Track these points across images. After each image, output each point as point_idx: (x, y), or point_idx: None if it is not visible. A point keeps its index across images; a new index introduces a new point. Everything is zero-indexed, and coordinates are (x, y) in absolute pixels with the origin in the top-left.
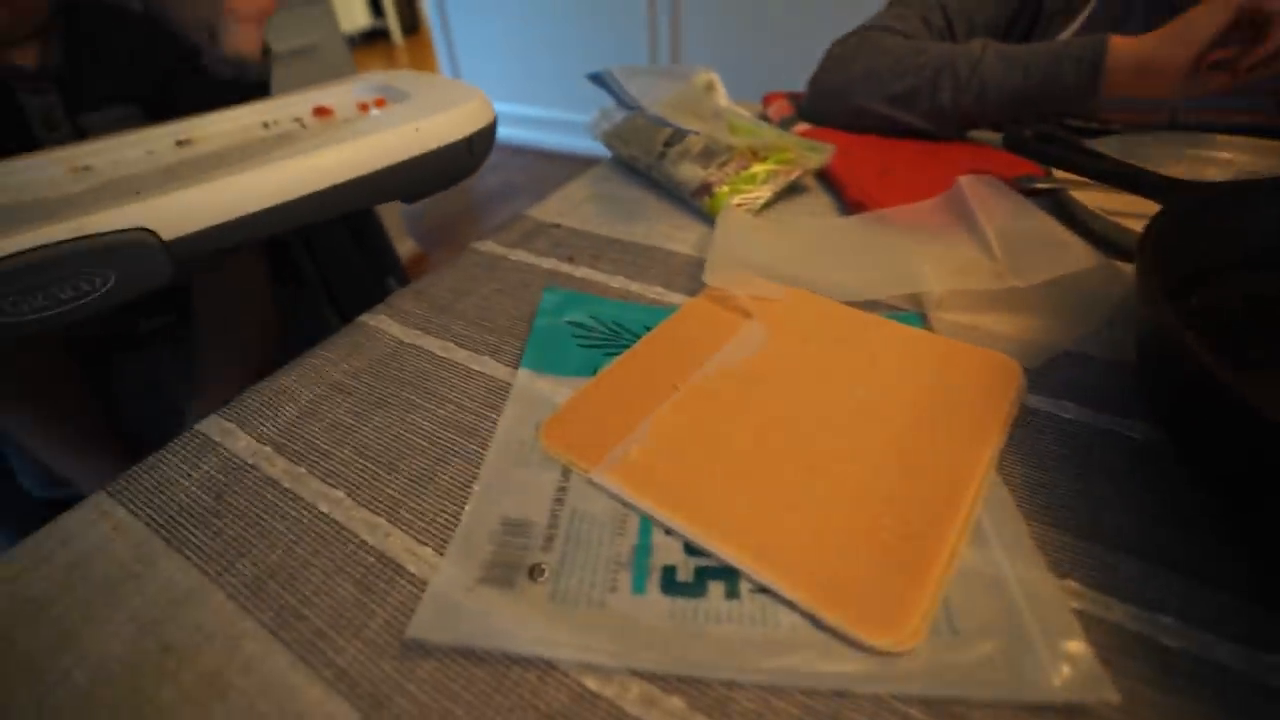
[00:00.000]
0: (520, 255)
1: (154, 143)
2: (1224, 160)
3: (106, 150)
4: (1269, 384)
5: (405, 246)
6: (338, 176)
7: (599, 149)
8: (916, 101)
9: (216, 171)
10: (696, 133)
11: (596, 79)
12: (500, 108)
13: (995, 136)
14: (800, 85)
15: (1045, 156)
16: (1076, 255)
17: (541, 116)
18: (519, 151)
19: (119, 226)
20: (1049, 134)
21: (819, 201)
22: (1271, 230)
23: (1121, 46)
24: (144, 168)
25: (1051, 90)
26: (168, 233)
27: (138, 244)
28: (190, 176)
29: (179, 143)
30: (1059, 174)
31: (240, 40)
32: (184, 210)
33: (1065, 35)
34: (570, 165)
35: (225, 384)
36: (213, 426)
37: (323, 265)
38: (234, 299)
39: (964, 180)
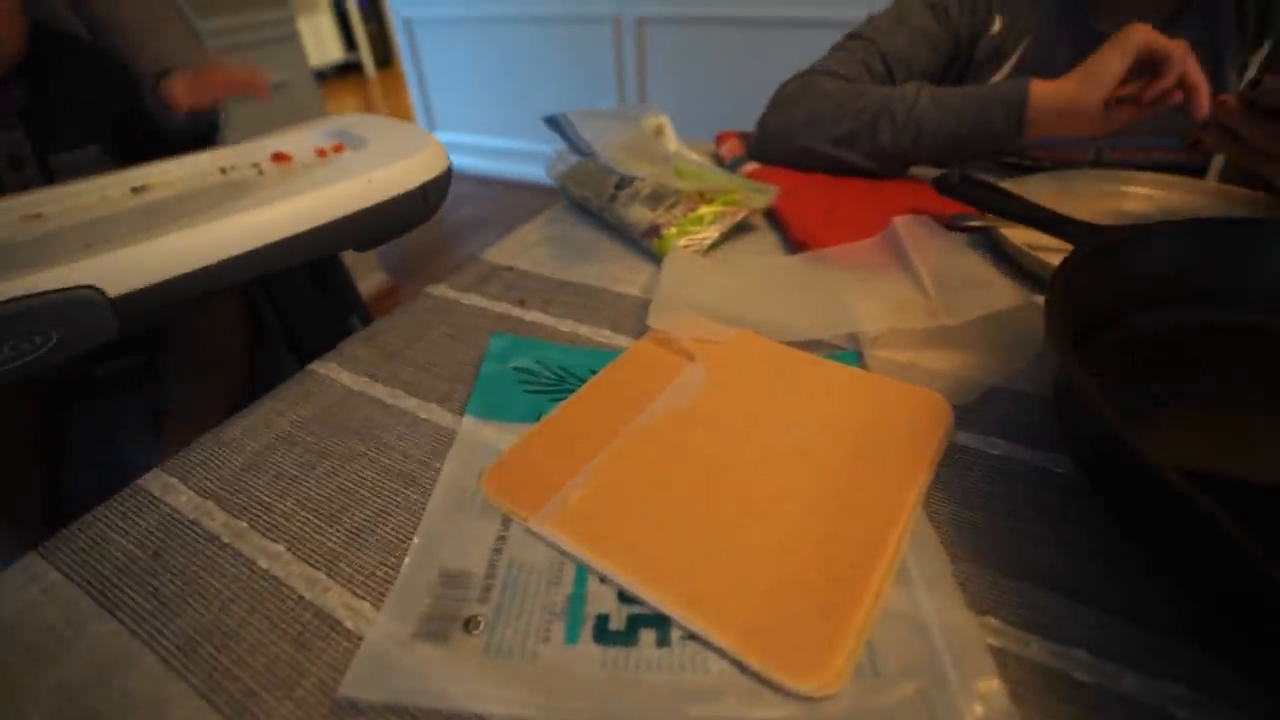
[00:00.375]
0: (473, 299)
1: (109, 189)
2: (1143, 195)
3: (60, 198)
4: (1172, 420)
5: (376, 279)
6: (289, 229)
7: None
8: (858, 142)
9: (165, 226)
10: (642, 178)
11: (552, 123)
12: (470, 140)
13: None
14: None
15: (970, 199)
16: (1004, 293)
17: (511, 148)
18: (488, 182)
19: (64, 284)
20: (973, 178)
21: (766, 240)
22: (1175, 271)
23: (1041, 90)
24: (97, 215)
25: (981, 132)
26: (114, 289)
27: (82, 302)
28: (140, 229)
29: (134, 189)
30: None
31: (182, 101)
32: (131, 266)
33: (995, 80)
34: (540, 195)
35: (192, 428)
36: (154, 481)
37: (282, 308)
38: (205, 344)
39: (898, 220)
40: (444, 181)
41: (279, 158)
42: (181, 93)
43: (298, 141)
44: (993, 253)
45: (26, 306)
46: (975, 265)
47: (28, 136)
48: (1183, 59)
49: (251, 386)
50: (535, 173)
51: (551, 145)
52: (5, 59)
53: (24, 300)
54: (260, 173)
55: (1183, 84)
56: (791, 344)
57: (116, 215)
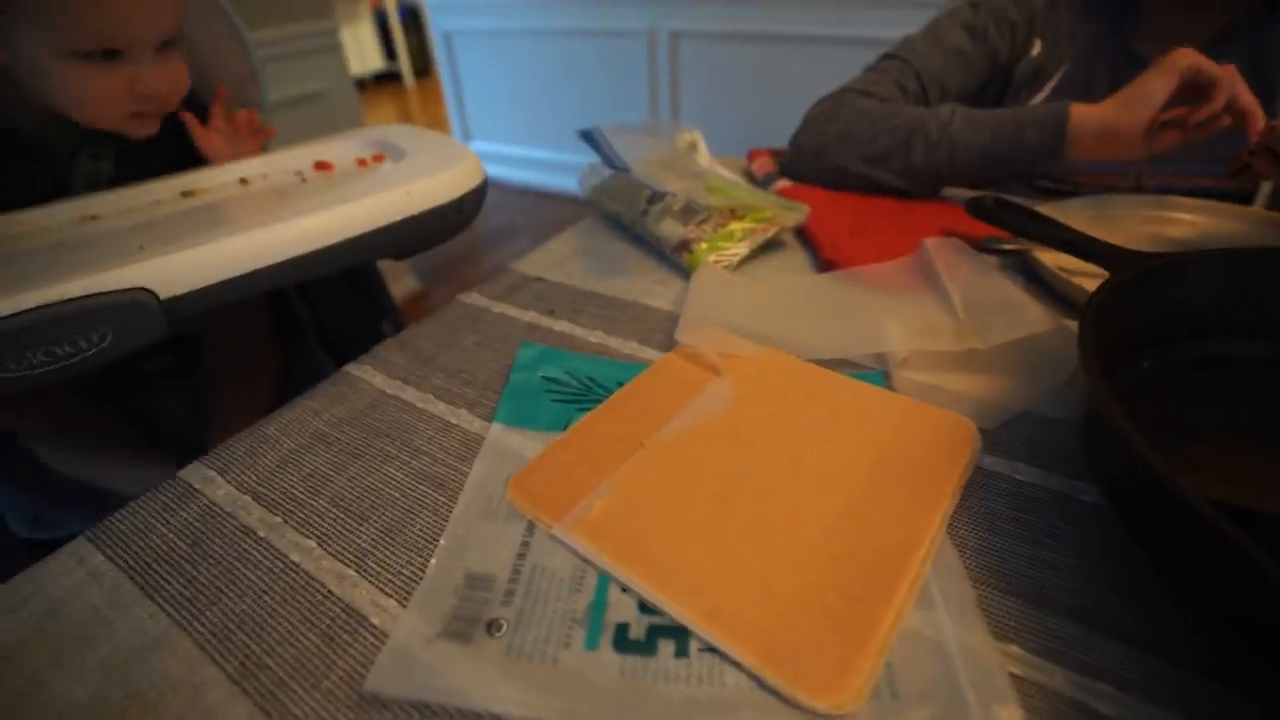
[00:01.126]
0: (503, 308)
1: (160, 193)
2: (1186, 221)
3: (116, 200)
4: (1210, 452)
5: (407, 284)
6: (330, 238)
7: None
8: (890, 161)
9: (213, 231)
10: (674, 193)
11: (587, 136)
12: (504, 150)
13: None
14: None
15: (1003, 222)
16: (1035, 317)
17: (545, 159)
18: (521, 192)
19: (119, 286)
20: (1007, 201)
21: (796, 258)
22: (1213, 299)
23: (1083, 113)
24: (149, 217)
25: (1017, 153)
26: (165, 291)
27: (135, 303)
28: (190, 234)
29: (184, 194)
30: None
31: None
32: (181, 270)
33: (1033, 103)
34: (571, 206)
35: (228, 423)
36: (194, 474)
37: (318, 311)
38: (243, 344)
39: (929, 242)
40: (479, 194)
41: (321, 166)
42: (219, 150)
43: (339, 151)
44: (1025, 277)
45: (86, 306)
46: (1006, 288)
47: (114, 167)
48: (1231, 83)
49: (286, 384)
50: (567, 183)
51: (584, 157)
52: (170, 110)
53: (82, 300)
54: (303, 180)
55: (1232, 108)
56: (818, 362)
57: (168, 218)
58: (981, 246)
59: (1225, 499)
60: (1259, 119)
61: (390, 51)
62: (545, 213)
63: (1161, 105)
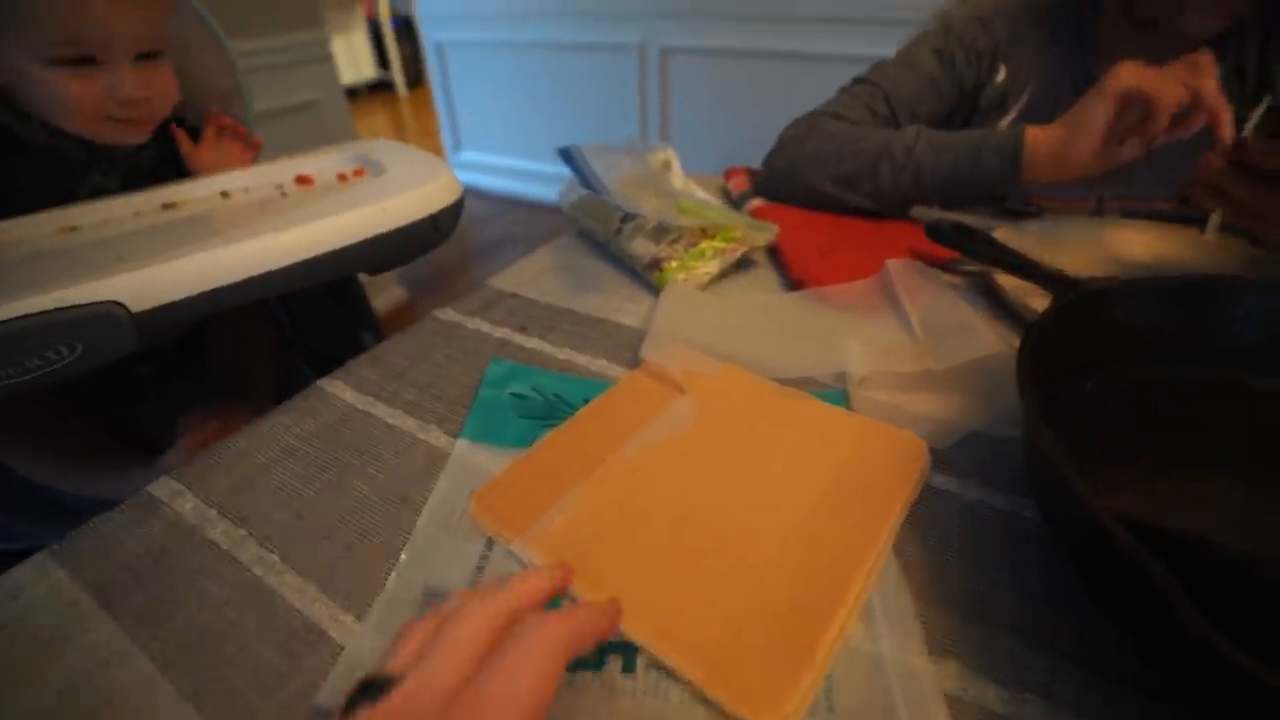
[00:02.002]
0: (477, 324)
1: (141, 204)
2: (1141, 242)
3: (96, 211)
4: (1141, 469)
5: (393, 294)
6: (304, 253)
7: None
8: (859, 184)
9: (188, 245)
10: (646, 213)
11: (565, 155)
12: (495, 160)
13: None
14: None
15: (958, 245)
16: (990, 340)
17: (535, 170)
18: (512, 203)
19: (90, 299)
20: (962, 225)
21: (766, 277)
22: (1154, 324)
23: (1036, 137)
24: (128, 229)
25: (977, 176)
26: (137, 305)
27: (106, 317)
28: (166, 247)
29: (164, 205)
30: None
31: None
32: (154, 284)
33: (999, 126)
34: (560, 218)
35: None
36: (163, 488)
37: (297, 320)
38: (246, 354)
39: (891, 264)
40: (455, 211)
41: (301, 180)
42: (210, 166)
43: (320, 165)
44: (987, 298)
45: (56, 319)
46: (964, 311)
47: (120, 180)
48: (1173, 103)
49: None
50: (557, 195)
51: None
52: (158, 119)
53: (52, 314)
54: (283, 194)
55: (1203, 105)
56: (781, 381)
57: (146, 230)
58: (948, 266)
59: (1154, 521)
60: (1223, 123)
61: (384, 61)
62: (538, 224)
63: (1104, 127)
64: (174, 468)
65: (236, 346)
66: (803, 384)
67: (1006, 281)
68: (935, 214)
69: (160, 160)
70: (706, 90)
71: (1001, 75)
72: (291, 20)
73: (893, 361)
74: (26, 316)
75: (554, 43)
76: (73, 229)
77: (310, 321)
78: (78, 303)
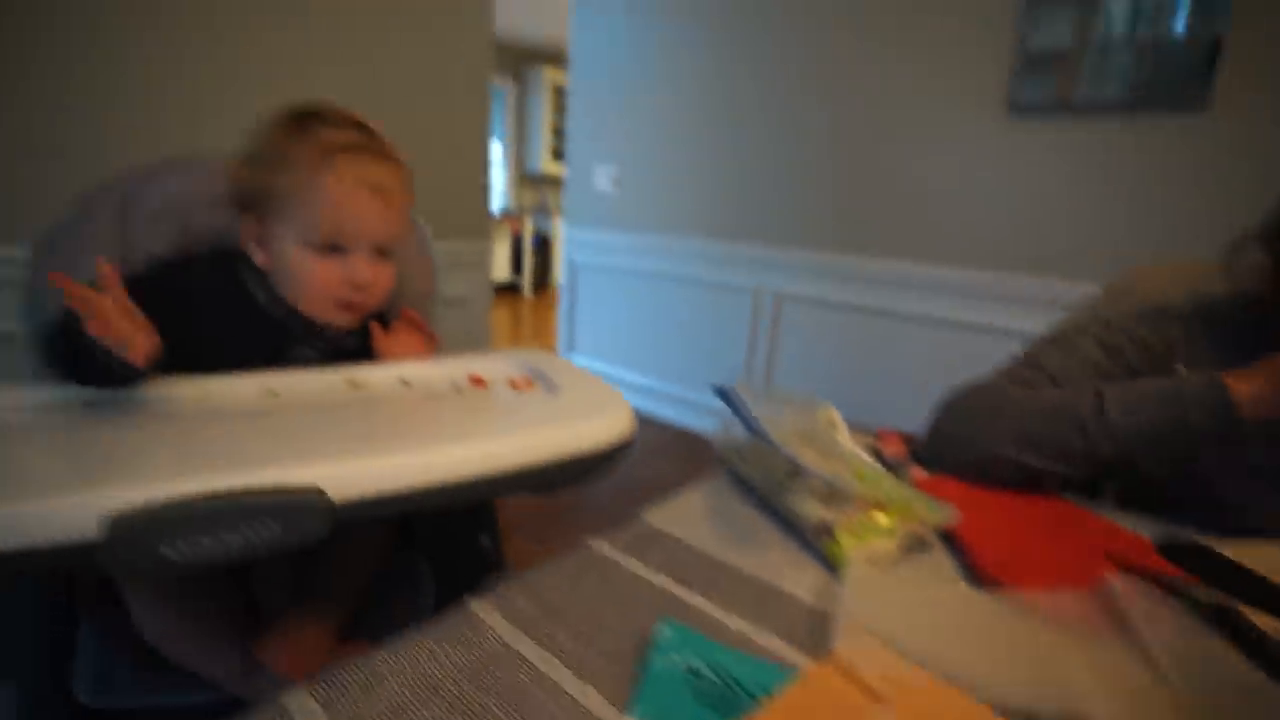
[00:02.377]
0: (633, 564)
1: (332, 379)
2: None
3: (295, 380)
4: None
5: None
6: (499, 465)
7: (695, 423)
8: (1044, 444)
9: (384, 438)
10: (817, 474)
11: (721, 394)
12: (603, 368)
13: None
14: (887, 418)
15: (1196, 569)
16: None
17: (639, 383)
18: None
19: (299, 484)
20: (1205, 548)
21: (942, 563)
22: None
23: (1237, 386)
24: (319, 400)
25: (1182, 433)
26: (337, 494)
27: (309, 503)
28: (358, 436)
29: (350, 383)
30: None
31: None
32: (356, 476)
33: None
34: (665, 434)
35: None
36: (297, 703)
37: (420, 517)
38: (362, 548)
39: (1116, 581)
40: (631, 446)
41: (475, 381)
42: (397, 354)
43: (493, 369)
44: (1224, 631)
45: (262, 500)
46: (1223, 652)
47: (320, 358)
48: None
49: (377, 582)
50: (656, 408)
51: (675, 387)
52: (372, 308)
53: (261, 492)
54: (458, 391)
55: None
56: (996, 709)
57: (337, 408)
58: (1173, 587)
59: None
60: None
61: (518, 268)
62: (643, 437)
63: None
64: (267, 665)
65: (357, 545)
66: (1020, 714)
67: (1263, 622)
68: (1128, 517)
69: (361, 347)
70: (814, 338)
71: (1183, 373)
72: (467, 230)
73: (1145, 709)
74: (233, 492)
75: (676, 275)
76: (274, 394)
77: (433, 519)
78: (284, 485)
